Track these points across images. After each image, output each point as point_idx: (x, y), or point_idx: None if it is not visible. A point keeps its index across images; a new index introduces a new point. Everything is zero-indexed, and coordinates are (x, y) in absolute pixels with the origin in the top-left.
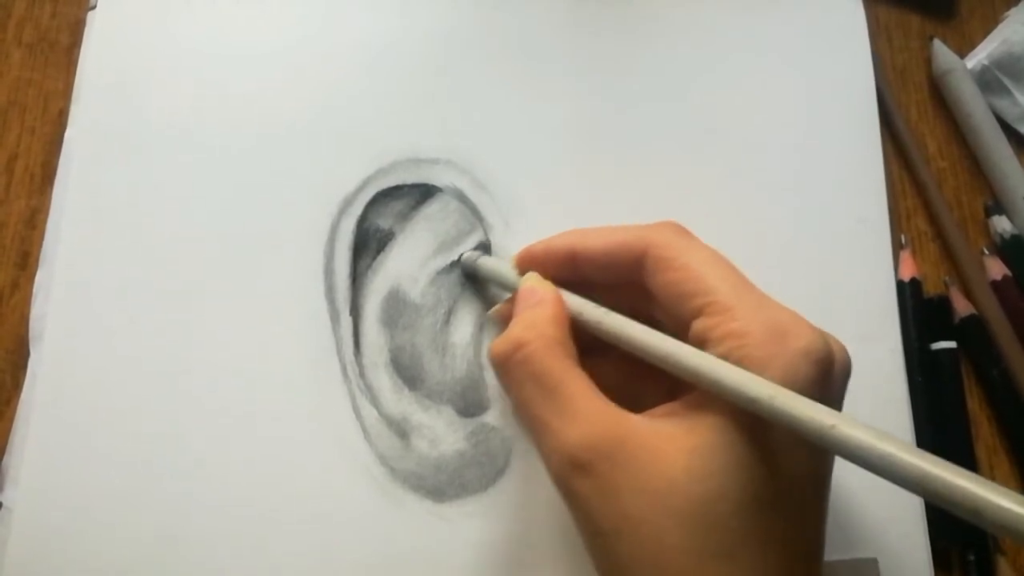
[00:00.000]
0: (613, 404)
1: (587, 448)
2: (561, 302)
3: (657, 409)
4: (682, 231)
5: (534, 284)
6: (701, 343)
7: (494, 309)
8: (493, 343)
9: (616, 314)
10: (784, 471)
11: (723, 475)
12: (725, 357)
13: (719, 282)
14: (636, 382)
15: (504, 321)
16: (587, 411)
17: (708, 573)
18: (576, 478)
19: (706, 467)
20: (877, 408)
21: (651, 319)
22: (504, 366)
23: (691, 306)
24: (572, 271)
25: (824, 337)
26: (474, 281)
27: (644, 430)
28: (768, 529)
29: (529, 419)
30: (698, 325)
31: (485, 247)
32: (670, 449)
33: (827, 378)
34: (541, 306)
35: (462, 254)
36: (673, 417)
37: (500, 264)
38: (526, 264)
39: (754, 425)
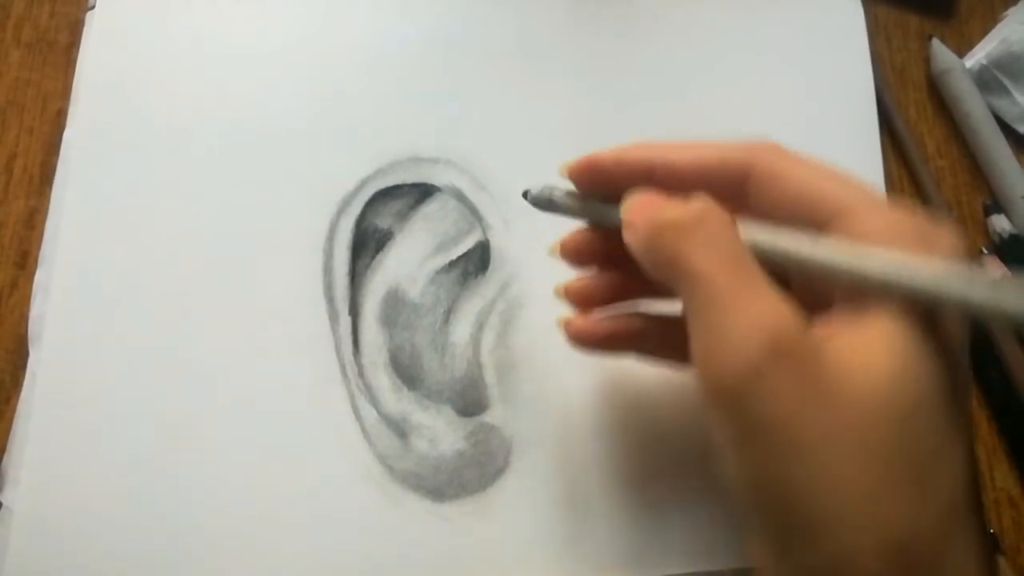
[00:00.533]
0: None
1: (792, 331)
2: None
3: (818, 323)
4: (786, 148)
5: (654, 193)
6: None
7: (560, 241)
8: (670, 209)
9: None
10: (961, 382)
11: (924, 382)
12: None
13: (847, 188)
14: None
15: (574, 255)
16: (778, 294)
17: (912, 502)
18: (775, 368)
19: (909, 374)
20: None
21: None
22: (689, 229)
23: (820, 213)
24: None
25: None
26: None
27: (825, 331)
28: (957, 443)
29: (711, 294)
30: (839, 228)
31: (484, 247)
32: (861, 357)
33: None
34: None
35: (527, 190)
36: (846, 328)
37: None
38: (583, 175)
39: (938, 334)
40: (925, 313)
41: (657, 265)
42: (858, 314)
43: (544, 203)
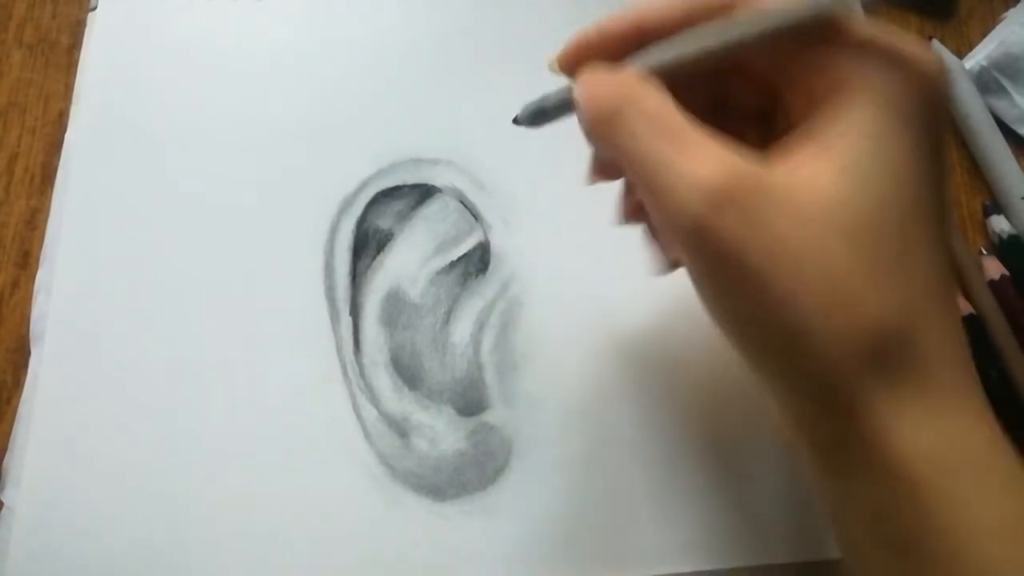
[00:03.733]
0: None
1: (729, 178)
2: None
3: (772, 149)
4: None
5: (596, 70)
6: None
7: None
8: (587, 94)
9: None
10: (924, 173)
11: (882, 181)
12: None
13: None
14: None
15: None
16: (717, 147)
17: (881, 289)
18: (719, 214)
19: (863, 176)
20: None
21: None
22: (609, 111)
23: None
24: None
25: None
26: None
27: (778, 161)
28: (927, 232)
29: (651, 165)
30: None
31: (484, 247)
32: (817, 168)
33: None
34: (622, 69)
35: (515, 117)
36: (800, 145)
37: (565, 88)
38: (575, 58)
39: (891, 132)
40: (891, 128)
41: (604, 151)
42: (810, 134)
43: (539, 115)
